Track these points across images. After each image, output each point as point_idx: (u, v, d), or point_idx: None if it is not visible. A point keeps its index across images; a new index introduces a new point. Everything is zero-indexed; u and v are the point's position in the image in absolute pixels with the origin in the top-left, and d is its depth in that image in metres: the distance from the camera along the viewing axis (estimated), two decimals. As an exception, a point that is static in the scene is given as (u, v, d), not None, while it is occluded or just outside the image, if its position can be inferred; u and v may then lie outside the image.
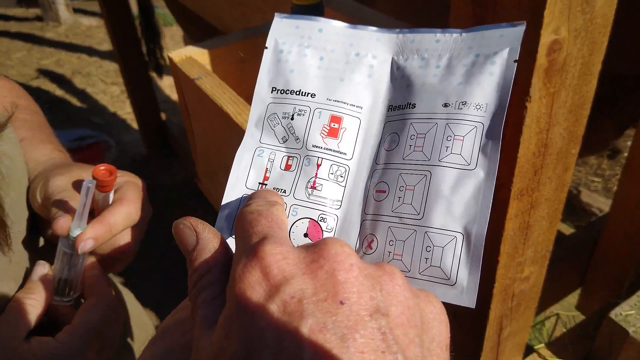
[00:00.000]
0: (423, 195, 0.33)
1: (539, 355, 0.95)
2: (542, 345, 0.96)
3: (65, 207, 0.51)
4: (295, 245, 0.35)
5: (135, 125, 2.82)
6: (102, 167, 0.51)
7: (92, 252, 0.55)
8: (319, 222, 0.36)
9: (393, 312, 0.25)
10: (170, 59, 0.68)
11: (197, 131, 0.75)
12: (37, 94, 3.24)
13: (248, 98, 0.80)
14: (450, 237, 0.32)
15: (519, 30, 0.35)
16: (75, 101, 3.30)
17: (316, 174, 0.36)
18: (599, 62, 0.56)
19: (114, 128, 3.00)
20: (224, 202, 0.37)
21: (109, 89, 3.43)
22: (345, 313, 0.24)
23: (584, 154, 1.97)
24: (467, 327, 0.77)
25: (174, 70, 0.69)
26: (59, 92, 3.40)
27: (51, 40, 4.16)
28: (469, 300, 0.31)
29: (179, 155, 2.50)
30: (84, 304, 0.51)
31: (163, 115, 2.69)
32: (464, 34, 0.36)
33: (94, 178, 0.50)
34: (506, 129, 0.55)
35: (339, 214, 0.36)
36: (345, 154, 0.37)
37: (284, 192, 0.36)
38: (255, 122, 0.39)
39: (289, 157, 0.37)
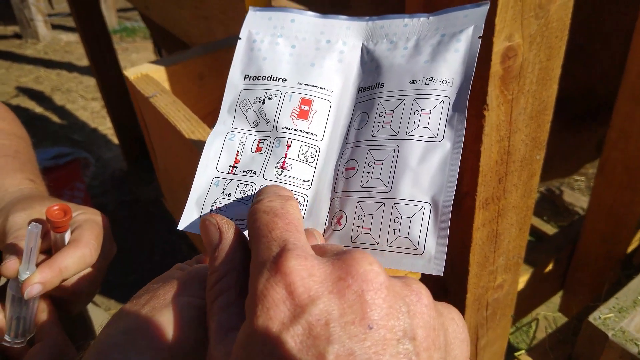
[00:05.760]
0: (391, 169, 0.34)
1: (520, 361, 0.94)
2: (523, 351, 0.94)
3: (15, 249, 0.50)
4: None
5: (116, 140, 2.80)
6: (56, 207, 0.49)
7: (46, 293, 0.53)
8: None
9: (419, 335, 0.24)
10: (126, 77, 0.67)
11: (156, 148, 0.74)
12: (16, 112, 3.18)
13: (209, 114, 0.79)
14: (417, 207, 0.32)
15: (483, 9, 0.36)
16: (55, 118, 3.27)
17: (286, 154, 0.37)
18: (558, 66, 0.55)
19: (94, 144, 2.97)
20: (194, 185, 0.37)
21: (89, 105, 3.40)
22: (374, 338, 0.23)
23: (565, 175, 1.98)
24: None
25: (130, 88, 0.67)
26: (38, 109, 3.36)
27: (30, 57, 4.12)
28: (437, 268, 0.31)
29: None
30: (30, 350, 0.49)
31: (143, 130, 2.67)
32: (430, 17, 0.37)
33: (47, 219, 0.48)
34: (467, 138, 0.54)
35: (309, 194, 0.37)
36: (315, 135, 0.38)
37: (254, 173, 0.37)
38: (228, 108, 0.39)
39: (259, 140, 0.38)
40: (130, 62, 3.94)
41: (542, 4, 0.48)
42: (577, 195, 2.18)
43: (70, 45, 4.31)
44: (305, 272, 0.25)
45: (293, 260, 0.25)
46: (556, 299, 1.40)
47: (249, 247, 0.30)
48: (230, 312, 0.28)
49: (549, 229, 1.88)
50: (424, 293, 0.26)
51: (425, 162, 0.33)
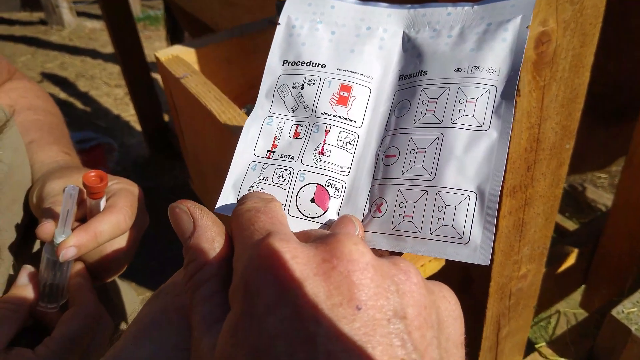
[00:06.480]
0: (435, 157, 0.33)
1: (540, 354, 0.93)
2: (543, 343, 0.94)
3: (52, 213, 0.51)
4: (302, 211, 0.35)
5: (138, 127, 2.83)
6: (93, 174, 0.49)
7: (79, 259, 0.54)
8: (326, 187, 0.36)
9: (410, 314, 0.24)
10: (157, 58, 0.68)
11: (185, 131, 0.75)
12: (41, 98, 3.24)
13: (236, 97, 0.80)
14: (463, 196, 0.32)
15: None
16: (78, 104, 3.31)
17: (324, 140, 0.37)
18: (591, 54, 0.54)
19: (117, 130, 3.01)
20: (231, 169, 0.37)
21: (112, 92, 3.44)
22: (363, 319, 0.23)
23: (592, 169, 1.95)
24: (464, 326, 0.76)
25: (161, 69, 0.68)
26: (62, 95, 3.41)
27: (55, 44, 4.18)
28: (483, 257, 0.31)
29: (181, 156, 2.50)
30: (64, 315, 0.50)
31: (166, 117, 2.70)
32: (475, 6, 0.37)
33: (84, 184, 0.49)
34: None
35: (347, 181, 0.36)
36: (354, 121, 0.37)
37: (292, 158, 0.37)
38: (266, 93, 0.39)
39: (297, 125, 0.38)
40: (153, 50, 3.95)
41: (578, -11, 0.48)
42: (600, 192, 2.16)
43: (95, 33, 4.36)
44: (289, 254, 0.24)
45: (276, 243, 0.25)
46: (576, 296, 1.39)
47: (230, 237, 0.30)
48: (214, 303, 0.27)
49: (571, 225, 1.86)
50: (413, 271, 0.25)
51: (470, 151, 0.33)
